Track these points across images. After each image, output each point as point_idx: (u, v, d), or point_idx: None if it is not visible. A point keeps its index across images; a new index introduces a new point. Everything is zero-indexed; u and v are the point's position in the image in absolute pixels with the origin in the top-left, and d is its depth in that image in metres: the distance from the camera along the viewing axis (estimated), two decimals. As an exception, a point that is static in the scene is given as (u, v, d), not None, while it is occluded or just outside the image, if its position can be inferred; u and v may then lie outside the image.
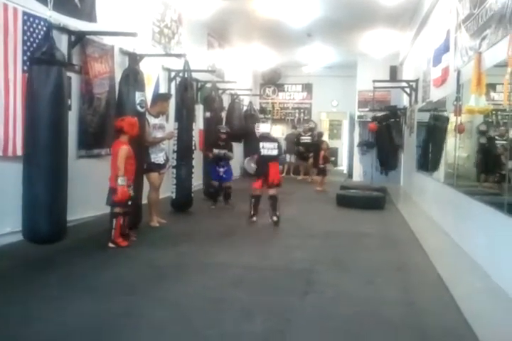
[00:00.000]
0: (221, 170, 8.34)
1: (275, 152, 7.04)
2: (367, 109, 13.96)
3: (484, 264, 4.74)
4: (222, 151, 8.27)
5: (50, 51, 4.51)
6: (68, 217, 4.96)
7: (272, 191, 7.03)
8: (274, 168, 7.02)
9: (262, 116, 15.56)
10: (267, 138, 7.25)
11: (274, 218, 6.94)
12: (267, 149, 7.00)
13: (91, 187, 6.14)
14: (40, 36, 5.34)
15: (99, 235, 5.56)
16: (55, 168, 4.59)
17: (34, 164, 4.52)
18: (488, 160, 5.61)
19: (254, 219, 7.10)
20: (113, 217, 5.30)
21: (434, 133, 7.58)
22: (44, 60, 4.47)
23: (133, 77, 5.95)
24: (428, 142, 7.78)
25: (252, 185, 7.23)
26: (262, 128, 7.89)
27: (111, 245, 5.26)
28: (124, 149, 5.25)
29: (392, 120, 12.22)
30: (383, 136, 11.86)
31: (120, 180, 5.14)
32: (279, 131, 17.35)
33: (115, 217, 5.29)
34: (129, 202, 5.36)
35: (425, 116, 9.42)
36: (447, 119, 7.11)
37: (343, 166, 18.39)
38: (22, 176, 4.54)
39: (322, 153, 11.90)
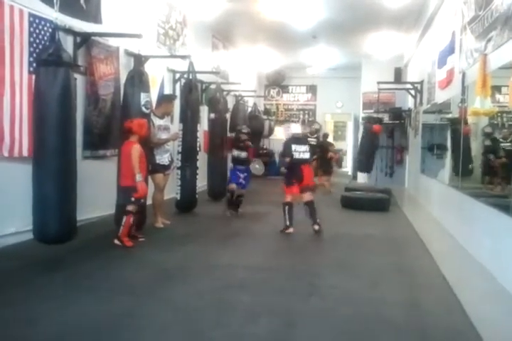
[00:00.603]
0: (241, 175, 7.71)
1: (307, 155, 6.56)
2: (372, 111, 13.94)
3: (490, 267, 4.72)
4: (243, 153, 7.74)
5: (57, 52, 4.53)
6: (74, 217, 4.98)
7: (307, 196, 6.52)
8: (307, 170, 6.53)
9: (265, 117, 15.55)
10: (298, 139, 6.71)
11: (316, 227, 6.40)
12: (299, 152, 6.49)
13: (96, 187, 6.16)
14: (46, 38, 5.37)
15: (105, 236, 5.58)
16: (64, 168, 4.60)
17: (43, 165, 4.54)
18: (493, 162, 5.59)
19: (291, 230, 6.46)
20: (124, 214, 5.35)
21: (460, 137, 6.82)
22: (51, 61, 4.49)
23: (138, 79, 5.97)
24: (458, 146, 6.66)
25: (285, 191, 6.64)
26: (293, 128, 7.12)
27: (116, 242, 5.31)
28: (136, 148, 5.38)
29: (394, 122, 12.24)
30: (365, 137, 11.92)
31: (138, 177, 5.30)
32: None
33: (126, 214, 5.34)
34: (142, 200, 5.45)
35: (430, 118, 9.41)
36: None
37: (347, 168, 18.38)
38: (31, 177, 4.56)
39: (330, 154, 11.92)
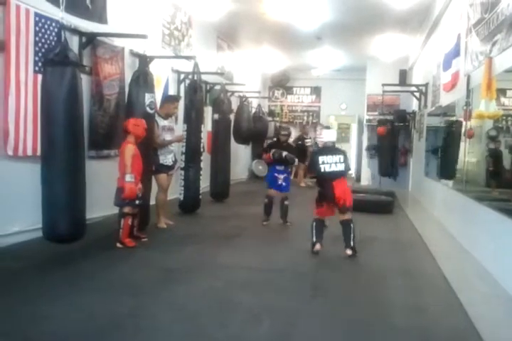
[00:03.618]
0: (281, 176, 7.05)
1: (341, 167, 5.49)
2: (376, 113, 13.93)
3: (492, 270, 4.71)
4: (283, 152, 6.97)
5: (64, 52, 4.55)
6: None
7: (345, 216, 5.47)
8: (340, 186, 5.45)
9: (270, 118, 15.54)
10: (329, 150, 5.61)
11: (348, 251, 5.33)
12: (330, 164, 5.44)
13: (101, 187, 6.16)
14: (51, 37, 5.41)
15: (108, 235, 5.58)
16: (73, 167, 4.62)
17: (52, 164, 4.55)
18: (497, 165, 5.58)
19: (318, 247, 5.46)
20: (121, 217, 5.34)
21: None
22: (58, 61, 4.50)
23: (143, 79, 5.97)
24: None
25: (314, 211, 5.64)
26: (325, 136, 5.78)
27: (119, 245, 5.30)
28: (129, 147, 5.32)
29: (399, 124, 12.27)
30: (385, 140, 11.92)
31: (128, 177, 5.21)
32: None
33: (123, 216, 5.32)
34: (137, 202, 5.39)
35: (434, 121, 9.40)
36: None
37: (350, 170, 18.34)
38: (40, 176, 4.57)
39: None
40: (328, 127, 5.40)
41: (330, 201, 5.44)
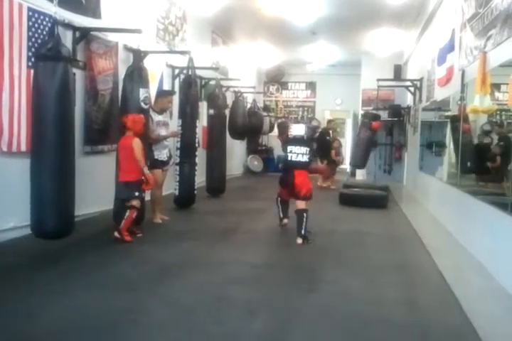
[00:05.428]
0: None
1: (305, 158, 5.98)
2: (371, 108, 13.93)
3: (487, 264, 4.74)
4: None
5: (56, 47, 4.51)
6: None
7: (300, 204, 5.88)
8: (300, 176, 5.87)
9: (265, 113, 15.51)
10: (298, 141, 6.16)
11: (298, 240, 5.69)
12: (296, 154, 5.96)
13: (96, 183, 6.16)
14: (45, 32, 5.36)
15: (104, 231, 5.59)
16: (62, 163, 4.58)
17: (41, 160, 4.52)
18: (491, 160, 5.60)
19: (286, 221, 6.45)
20: (127, 209, 5.37)
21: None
22: (50, 56, 4.47)
23: (137, 74, 5.95)
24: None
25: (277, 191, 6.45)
26: (294, 130, 6.35)
27: (116, 235, 5.31)
28: (137, 141, 5.39)
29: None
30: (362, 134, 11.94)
31: (146, 170, 5.40)
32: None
33: (130, 209, 5.37)
34: (143, 195, 5.56)
35: (429, 116, 9.41)
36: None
37: (345, 165, 18.35)
38: (30, 172, 4.55)
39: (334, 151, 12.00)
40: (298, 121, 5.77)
41: (290, 187, 5.95)
